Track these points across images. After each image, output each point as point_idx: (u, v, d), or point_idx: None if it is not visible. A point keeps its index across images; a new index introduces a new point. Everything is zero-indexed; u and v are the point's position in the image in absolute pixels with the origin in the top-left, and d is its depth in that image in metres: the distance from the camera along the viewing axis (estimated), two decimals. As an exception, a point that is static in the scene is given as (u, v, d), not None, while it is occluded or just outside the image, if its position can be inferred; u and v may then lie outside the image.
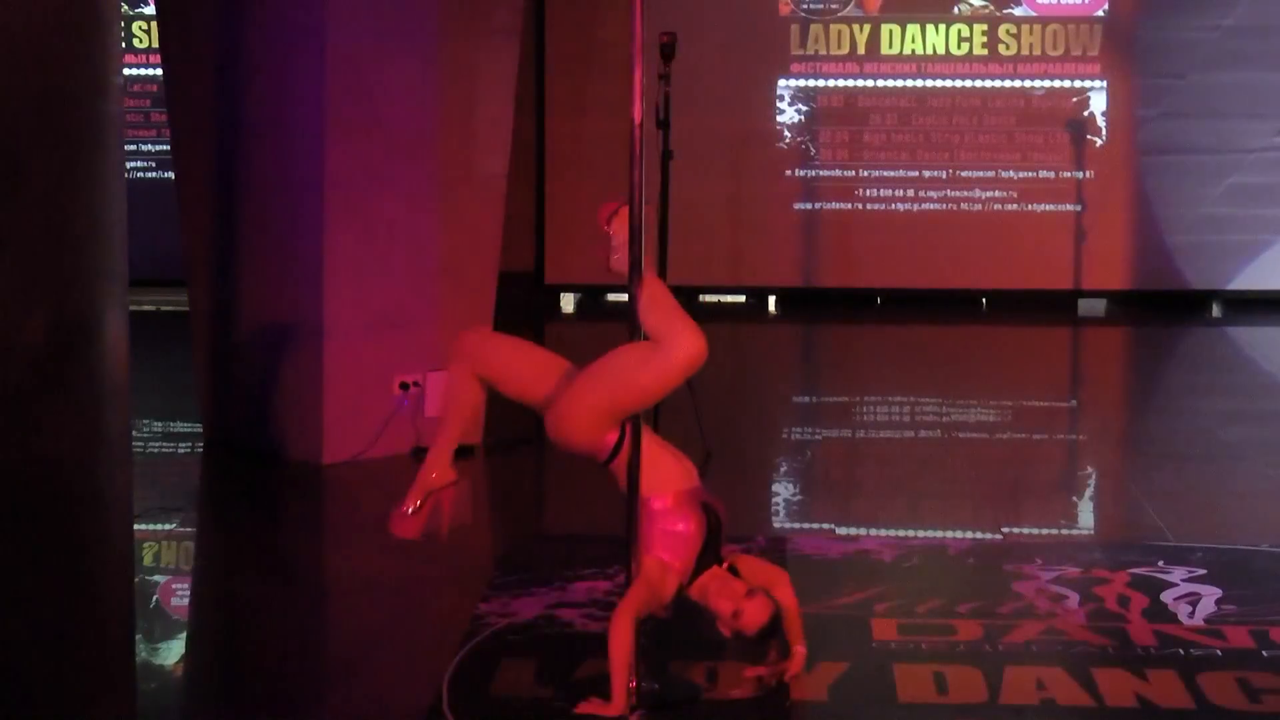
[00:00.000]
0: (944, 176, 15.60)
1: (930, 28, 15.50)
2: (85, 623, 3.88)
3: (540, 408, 5.51)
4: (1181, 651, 5.85)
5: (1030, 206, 15.50)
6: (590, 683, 5.38)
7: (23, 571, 3.71)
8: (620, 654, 5.14)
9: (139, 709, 4.17)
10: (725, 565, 5.47)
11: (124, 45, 15.45)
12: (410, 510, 5.58)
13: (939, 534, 7.62)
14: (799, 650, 5.47)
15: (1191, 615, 6.27)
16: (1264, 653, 5.86)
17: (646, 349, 5.32)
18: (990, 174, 15.57)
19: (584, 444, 5.40)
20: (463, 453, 8.25)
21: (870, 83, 15.60)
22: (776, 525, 7.89)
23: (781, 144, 15.60)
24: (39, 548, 3.74)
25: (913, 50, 15.55)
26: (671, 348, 5.25)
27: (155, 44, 15.24)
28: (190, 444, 9.34)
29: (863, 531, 7.62)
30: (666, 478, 5.42)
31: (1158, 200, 15.35)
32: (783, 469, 9.12)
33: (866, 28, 15.53)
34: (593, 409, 5.34)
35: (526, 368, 5.59)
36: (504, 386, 5.59)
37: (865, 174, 15.64)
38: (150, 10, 15.55)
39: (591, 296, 15.26)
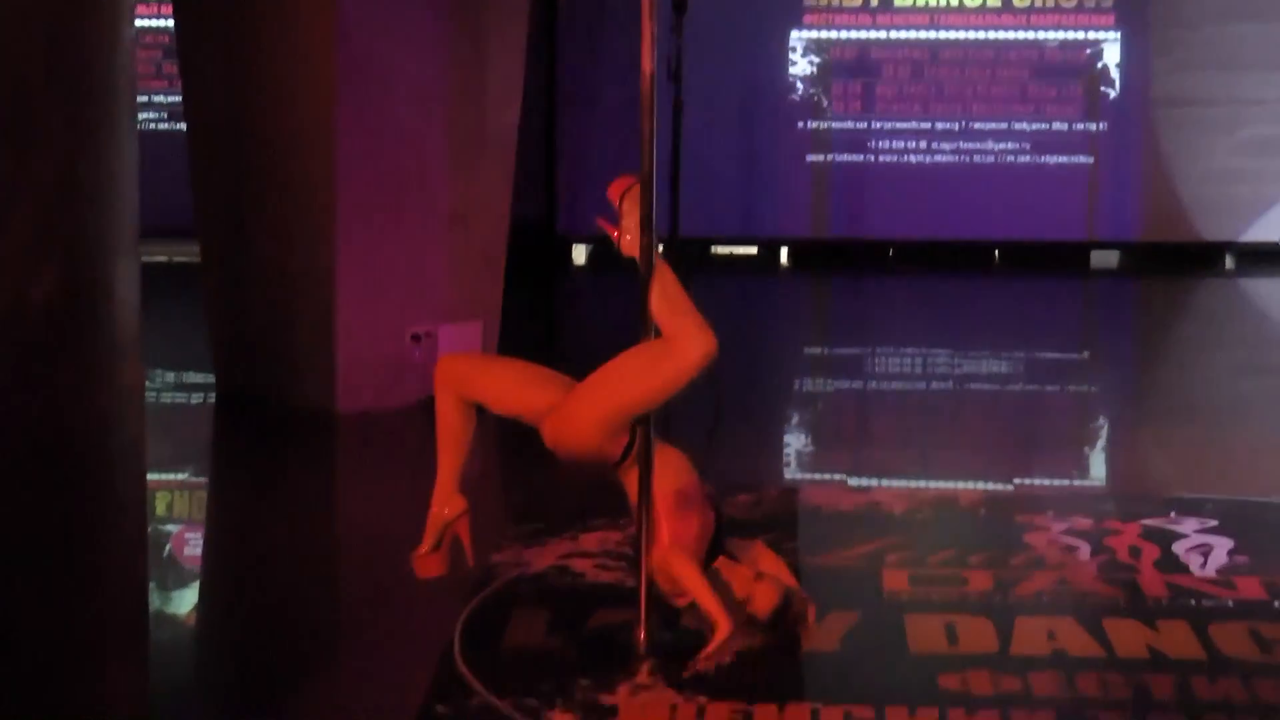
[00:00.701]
0: (957, 128, 15.56)
1: (943, -22, 15.45)
2: (98, 576, 3.89)
3: (536, 419, 5.44)
4: (1193, 602, 5.85)
5: (1043, 158, 15.46)
6: (602, 633, 5.40)
7: (37, 526, 3.71)
8: (697, 580, 5.16)
9: (152, 659, 4.18)
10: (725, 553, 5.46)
11: (135, -4, 15.41)
12: (429, 550, 5.55)
13: (950, 485, 7.63)
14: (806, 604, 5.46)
15: (1203, 566, 6.27)
16: (1275, 603, 5.86)
17: (656, 349, 5.24)
18: (1003, 126, 15.53)
19: (593, 451, 5.30)
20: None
21: (883, 34, 15.55)
22: (788, 476, 7.90)
23: (794, 96, 15.57)
24: (53, 502, 3.74)
25: (926, 2, 15.50)
26: (683, 347, 5.17)
27: (167, -5, 15.22)
28: (203, 395, 9.35)
29: (874, 483, 7.63)
30: (674, 474, 5.39)
31: (1171, 152, 15.31)
32: (794, 420, 9.13)
33: (879, -22, 15.47)
34: (603, 414, 5.24)
35: (514, 383, 5.47)
36: (495, 405, 5.46)
37: (878, 126, 15.60)
38: (161, -39, 15.51)
39: (603, 247, 15.25)
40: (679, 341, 5.18)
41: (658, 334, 5.24)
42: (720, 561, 5.43)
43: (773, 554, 5.56)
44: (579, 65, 15.47)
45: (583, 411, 5.27)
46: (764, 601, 5.36)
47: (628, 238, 5.37)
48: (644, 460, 5.28)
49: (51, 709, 3.79)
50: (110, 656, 3.96)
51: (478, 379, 5.48)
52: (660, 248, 5.36)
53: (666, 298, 5.23)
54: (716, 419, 8.64)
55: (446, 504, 5.54)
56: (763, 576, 5.39)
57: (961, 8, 15.45)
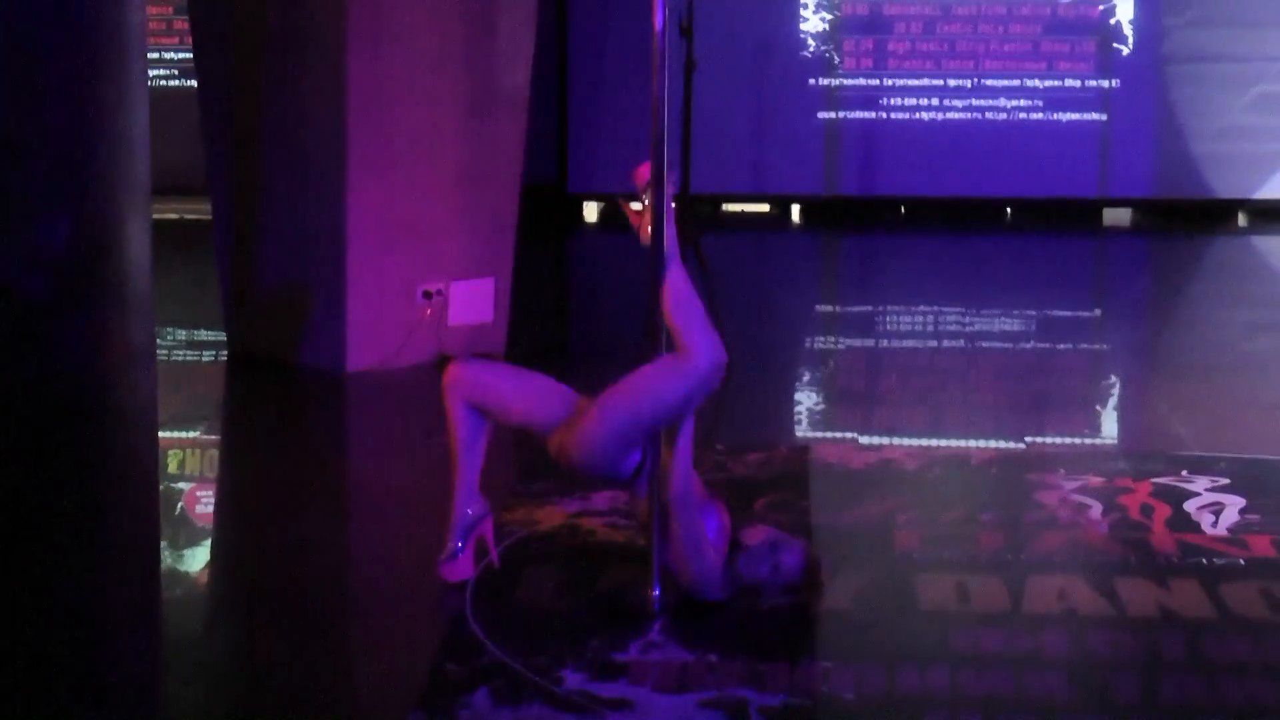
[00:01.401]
0: (969, 85, 15.51)
1: (956, -66, 15.38)
2: (110, 534, 3.89)
3: (544, 432, 5.43)
4: (1204, 561, 5.84)
5: (1055, 115, 15.41)
6: (613, 591, 5.40)
7: (46, 485, 3.71)
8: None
9: (163, 617, 4.18)
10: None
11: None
12: (454, 553, 5.55)
13: (962, 444, 7.62)
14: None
15: (1215, 525, 6.26)
16: (1287, 563, 5.86)
17: (668, 364, 5.24)
18: (1015, 82, 15.48)
19: (606, 467, 5.30)
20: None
21: (895, -10, 15.49)
22: (799, 435, 7.89)
23: (805, 53, 15.52)
24: (62, 460, 3.74)
25: (938, -43, 15.43)
26: (694, 356, 5.17)
27: (176, -49, 15.17)
28: (214, 353, 9.35)
29: (886, 441, 7.62)
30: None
31: (1184, 109, 15.26)
32: (805, 378, 9.12)
33: (891, -66, 15.41)
34: (618, 430, 5.22)
35: (522, 396, 5.47)
36: (502, 417, 5.47)
37: (889, 82, 15.56)
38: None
39: (615, 206, 15.25)
40: (692, 348, 5.19)
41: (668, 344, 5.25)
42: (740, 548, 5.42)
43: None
44: (590, 23, 15.43)
45: (596, 427, 5.25)
46: (791, 569, 5.35)
47: (647, 229, 5.38)
48: (654, 477, 5.27)
49: (65, 667, 3.79)
50: (122, 614, 3.97)
51: (485, 389, 5.46)
52: (678, 238, 5.34)
53: (681, 303, 5.23)
54: (729, 373, 8.63)
55: (470, 505, 5.54)
56: (779, 544, 5.38)
57: (974, -36, 15.39)
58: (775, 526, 5.51)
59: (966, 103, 15.50)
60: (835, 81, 15.54)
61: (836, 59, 15.50)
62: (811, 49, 15.49)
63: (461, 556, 5.55)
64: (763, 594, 5.34)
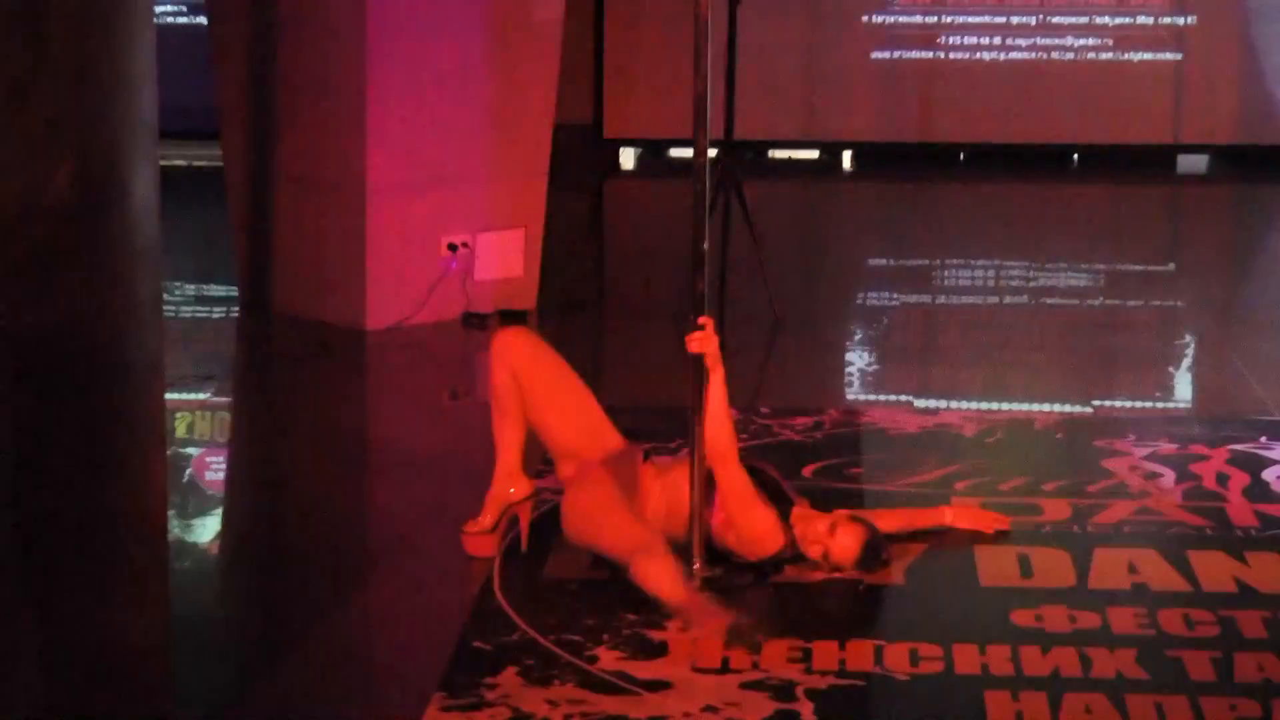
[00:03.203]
0: (1033, 23, 15.43)
1: None
2: (115, 499, 3.91)
3: (558, 454, 5.51)
4: (1285, 534, 5.85)
5: (1126, 55, 15.33)
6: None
7: (48, 443, 3.72)
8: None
9: (172, 587, 4.20)
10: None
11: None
12: (486, 528, 5.57)
13: (1024, 407, 7.61)
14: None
15: (1296, 495, 6.26)
16: (1373, 536, 5.84)
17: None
18: (1084, 20, 15.39)
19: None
20: (516, 317, 8.30)
21: (955, -80, 15.42)
22: (850, 397, 7.89)
23: (858, -13, 15.46)
24: (65, 418, 3.75)
25: (1002, -115, 15.36)
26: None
27: (185, -121, 15.16)
28: (225, 308, 9.38)
29: (942, 404, 7.62)
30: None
31: (1266, 47, 15.15)
32: (857, 337, 9.11)
33: None
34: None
35: (560, 402, 5.55)
36: (530, 408, 5.53)
37: (949, 20, 15.48)
38: None
39: (653, 152, 15.20)
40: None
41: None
42: (795, 514, 5.44)
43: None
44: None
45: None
46: (842, 552, 5.37)
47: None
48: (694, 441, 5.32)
49: (70, 634, 3.81)
50: (129, 582, 3.98)
51: (530, 372, 5.51)
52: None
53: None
54: (775, 331, 8.63)
55: (512, 483, 5.56)
56: (836, 525, 5.39)
57: (1040, -108, 15.31)
58: (826, 495, 5.55)
59: (1031, 41, 15.42)
60: (891, 19, 15.47)
61: (892, -6, 15.43)
62: (865, -17, 15.42)
63: (490, 534, 5.57)
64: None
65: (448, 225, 8.79)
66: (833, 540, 5.36)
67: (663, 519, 5.40)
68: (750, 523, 5.32)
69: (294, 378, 8.21)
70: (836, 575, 5.38)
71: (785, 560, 5.40)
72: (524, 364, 5.49)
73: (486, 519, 5.56)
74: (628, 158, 15.24)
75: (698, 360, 5.28)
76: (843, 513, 5.49)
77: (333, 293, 8.73)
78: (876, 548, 5.39)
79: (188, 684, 4.48)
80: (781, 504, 5.41)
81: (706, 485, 5.33)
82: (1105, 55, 15.40)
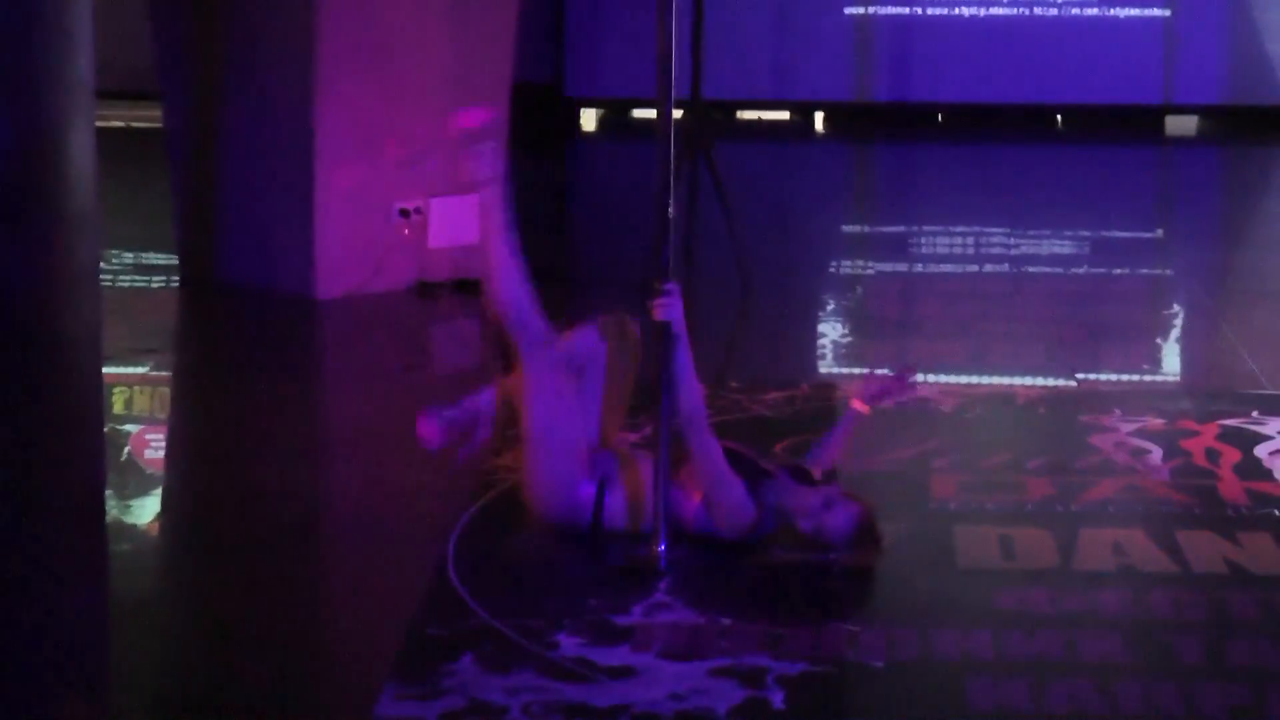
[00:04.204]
0: (1015, -24, 15.46)
1: None
2: (49, 477, 3.89)
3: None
4: (1277, 512, 5.85)
5: (1113, 11, 15.36)
6: (615, 547, 5.40)
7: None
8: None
9: (111, 571, 4.18)
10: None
11: None
12: (444, 420, 5.63)
13: (1006, 381, 7.62)
14: None
15: (1289, 472, 6.28)
16: (1370, 514, 5.87)
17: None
18: (1068, -27, 15.42)
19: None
20: (471, 286, 8.29)
21: None
22: (823, 371, 7.89)
23: (832, -61, 15.46)
24: (-3, 392, 3.74)
25: None
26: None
27: None
28: (165, 277, 9.35)
29: (920, 378, 7.62)
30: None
31: (1257, 4, 15.20)
32: (830, 308, 9.12)
33: None
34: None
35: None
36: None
37: (926, -27, 15.50)
38: None
39: (616, 112, 15.20)
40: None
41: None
42: (779, 487, 5.44)
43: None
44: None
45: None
46: (835, 530, 5.37)
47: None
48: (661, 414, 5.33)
49: (1, 615, 3.80)
50: (64, 570, 3.97)
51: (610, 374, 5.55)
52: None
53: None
54: (745, 301, 8.63)
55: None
56: (832, 501, 5.38)
57: None
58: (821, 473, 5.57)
59: (1013, -4, 15.46)
60: (865, -28, 15.49)
61: (867, -53, 15.44)
62: (839, -64, 15.43)
63: (446, 428, 5.61)
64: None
65: (400, 190, 8.77)
66: (828, 515, 5.36)
67: (629, 512, 5.45)
68: (724, 494, 5.32)
69: (238, 350, 8.19)
70: (813, 555, 5.37)
71: (768, 535, 5.40)
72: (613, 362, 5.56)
73: (453, 411, 5.65)
74: (589, 118, 15.24)
75: (664, 328, 5.28)
76: (837, 486, 5.49)
77: (279, 260, 8.71)
78: (872, 528, 5.39)
79: (127, 670, 4.47)
80: (758, 477, 5.41)
81: (675, 463, 5.34)
82: (1090, 10, 15.45)
